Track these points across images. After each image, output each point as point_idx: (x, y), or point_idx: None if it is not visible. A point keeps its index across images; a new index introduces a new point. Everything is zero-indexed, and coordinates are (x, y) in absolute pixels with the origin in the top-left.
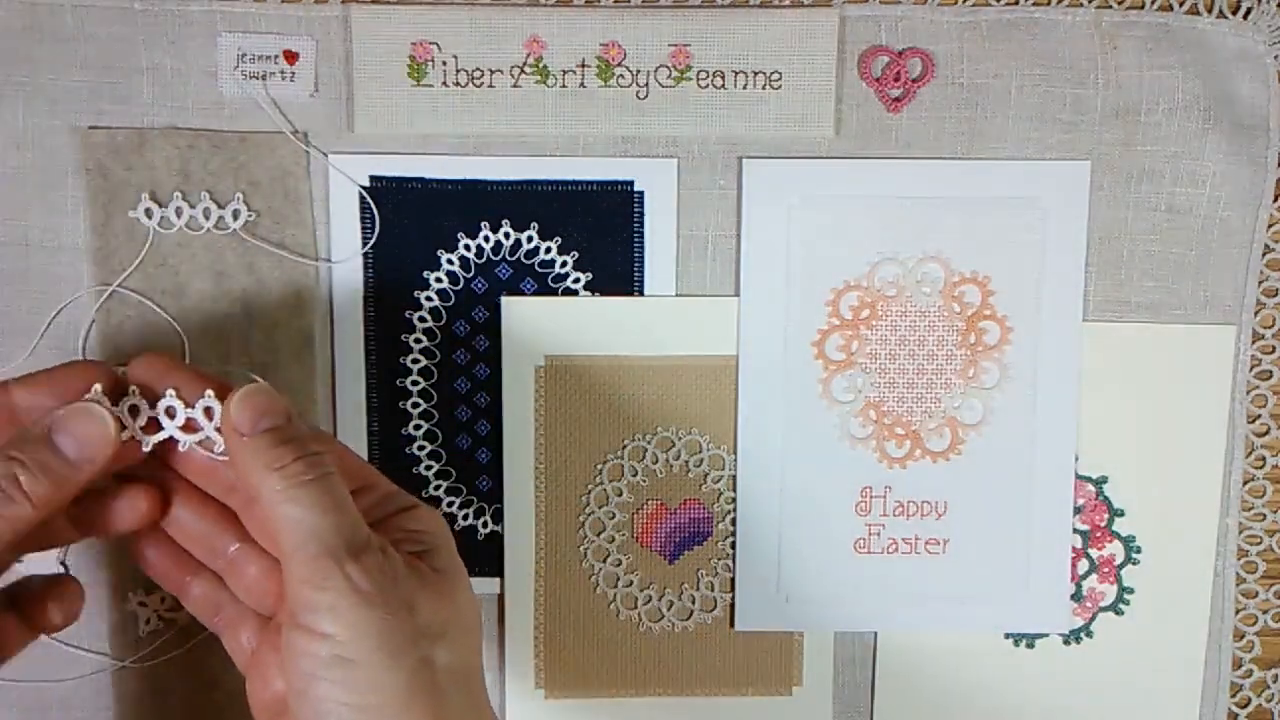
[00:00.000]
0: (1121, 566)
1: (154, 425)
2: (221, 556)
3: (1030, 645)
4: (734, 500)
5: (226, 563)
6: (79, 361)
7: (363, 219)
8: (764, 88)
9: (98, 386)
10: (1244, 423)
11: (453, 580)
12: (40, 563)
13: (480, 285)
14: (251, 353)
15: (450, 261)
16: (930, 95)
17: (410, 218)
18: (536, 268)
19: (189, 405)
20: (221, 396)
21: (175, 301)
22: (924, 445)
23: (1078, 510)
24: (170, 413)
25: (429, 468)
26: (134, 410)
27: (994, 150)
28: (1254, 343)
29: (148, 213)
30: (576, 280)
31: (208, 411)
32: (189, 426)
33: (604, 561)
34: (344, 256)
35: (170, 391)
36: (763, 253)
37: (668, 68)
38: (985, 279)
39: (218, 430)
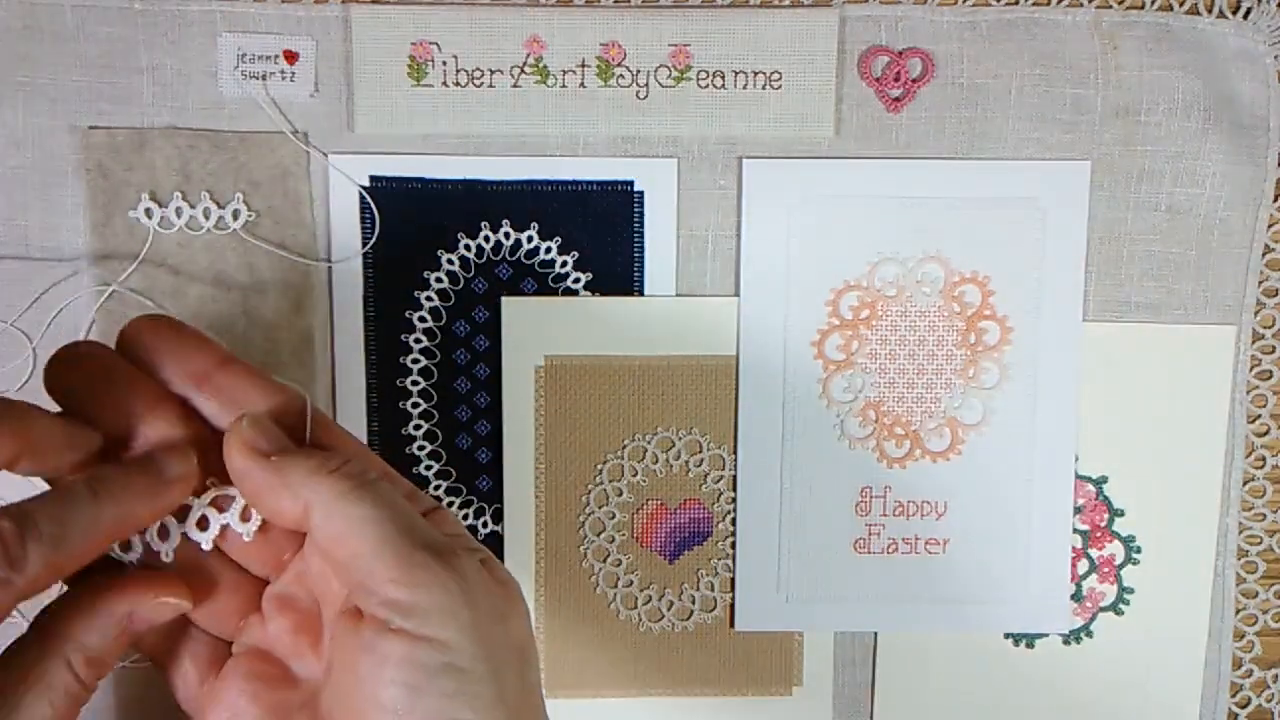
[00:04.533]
0: (1121, 566)
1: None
2: (174, 568)
3: (1030, 645)
4: (734, 500)
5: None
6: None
7: (363, 219)
8: (764, 88)
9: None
10: (1244, 423)
11: (518, 594)
12: None
13: (480, 285)
14: (251, 353)
15: (450, 261)
16: (930, 95)
17: (410, 218)
18: (536, 268)
19: (221, 509)
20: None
21: (175, 301)
22: (924, 445)
23: (1078, 510)
24: (203, 523)
25: (429, 468)
26: (163, 531)
27: (994, 150)
28: (1254, 343)
29: (148, 213)
30: (576, 280)
31: (245, 513)
32: (216, 504)
33: (604, 561)
34: (344, 256)
35: (197, 501)
36: (763, 253)
37: (668, 68)
38: (985, 279)
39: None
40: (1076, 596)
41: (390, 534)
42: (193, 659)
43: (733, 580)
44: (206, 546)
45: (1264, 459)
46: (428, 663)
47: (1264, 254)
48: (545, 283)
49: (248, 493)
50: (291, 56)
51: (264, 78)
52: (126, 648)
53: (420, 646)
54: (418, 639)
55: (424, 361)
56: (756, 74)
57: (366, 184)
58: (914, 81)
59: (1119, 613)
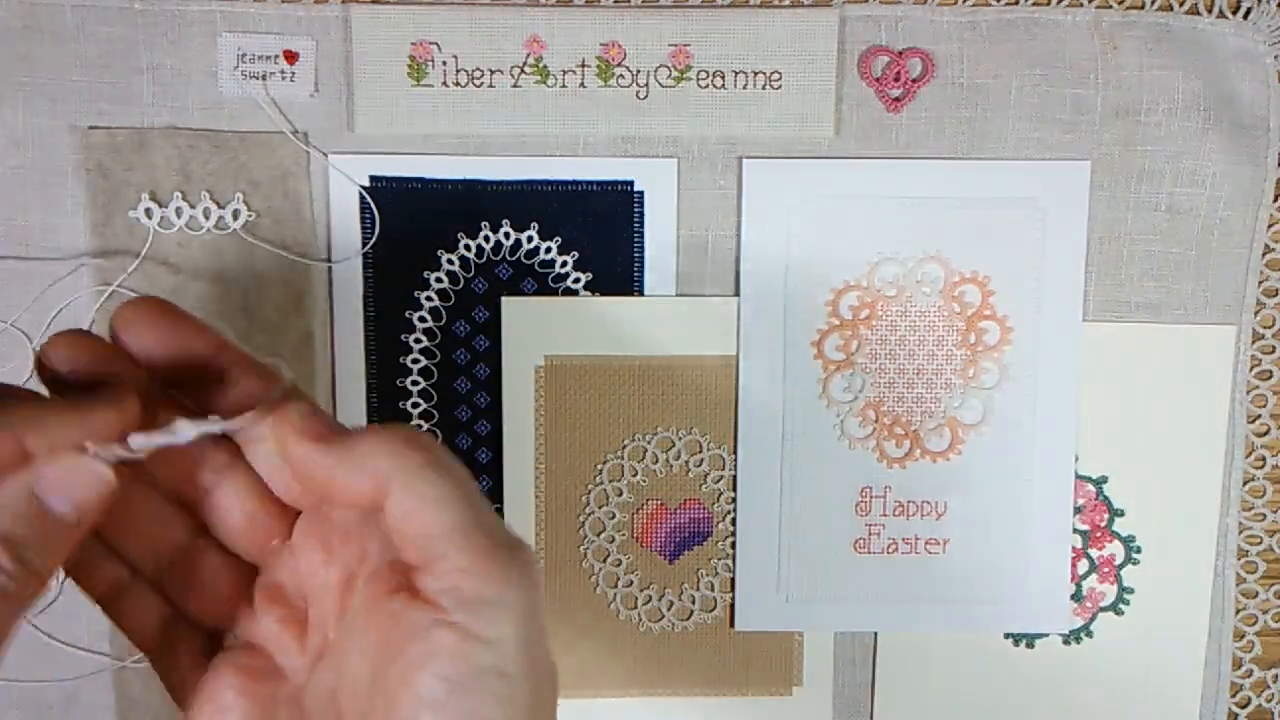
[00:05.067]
0: (1121, 566)
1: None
2: (165, 557)
3: (1030, 645)
4: (734, 500)
5: (170, 565)
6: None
7: (363, 219)
8: (764, 88)
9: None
10: (1244, 423)
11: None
12: None
13: (480, 285)
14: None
15: (450, 261)
16: (930, 95)
17: (410, 218)
18: (536, 268)
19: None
20: (223, 365)
21: (175, 301)
22: (924, 445)
23: (1078, 510)
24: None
25: None
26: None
27: (994, 150)
28: (1254, 343)
29: (148, 213)
30: (576, 280)
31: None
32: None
33: (604, 561)
34: (344, 256)
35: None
36: (763, 253)
37: (668, 68)
38: (985, 279)
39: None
40: (1076, 596)
41: (466, 518)
42: (186, 651)
43: (733, 580)
44: (140, 454)
45: (1264, 459)
46: (477, 662)
47: (1264, 254)
48: (545, 283)
49: (309, 476)
50: (291, 56)
51: (264, 78)
52: (73, 535)
53: (473, 644)
54: (471, 636)
55: (424, 361)
56: (756, 74)
57: (366, 184)
58: (914, 81)
59: (1119, 613)
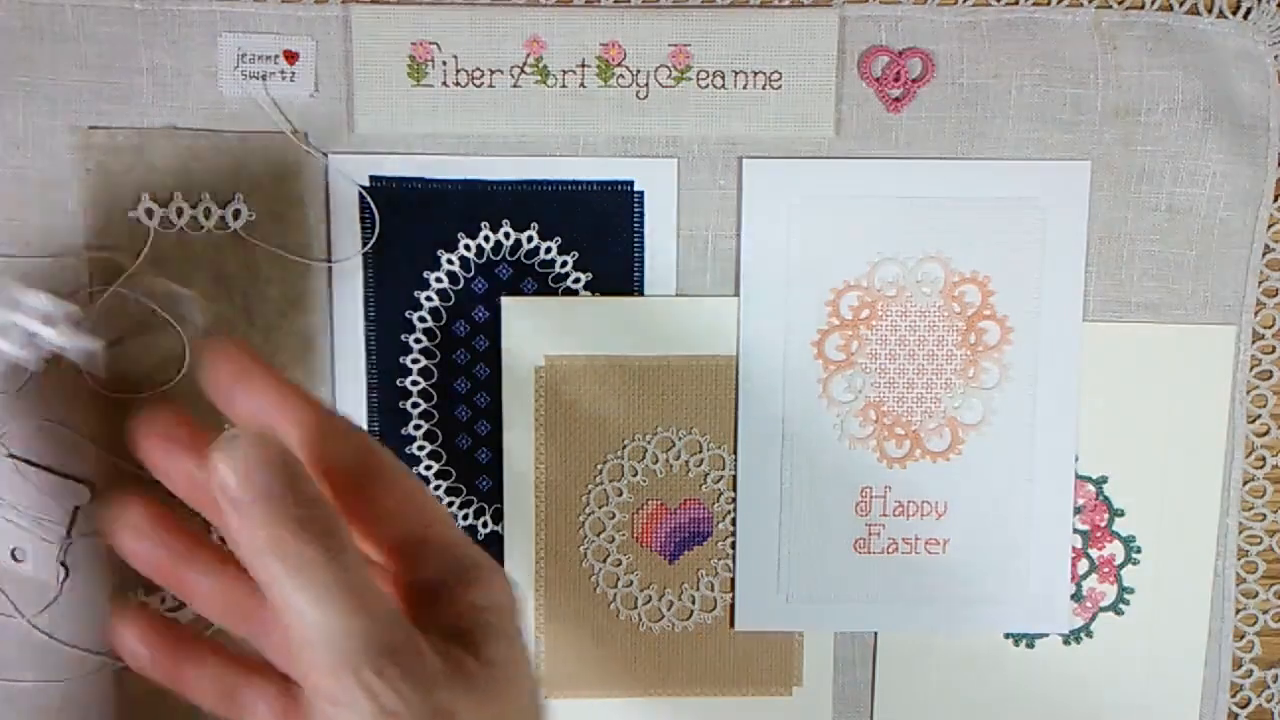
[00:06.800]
0: (1121, 566)
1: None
2: (248, 620)
3: (1030, 645)
4: (734, 500)
5: (253, 625)
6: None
7: (363, 219)
8: (764, 88)
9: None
10: (1244, 423)
11: (507, 674)
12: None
13: (480, 285)
14: None
15: (450, 261)
16: (930, 95)
17: (410, 218)
18: (536, 268)
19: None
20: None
21: (176, 302)
22: (924, 445)
23: (1078, 510)
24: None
25: (429, 468)
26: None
27: (994, 150)
28: (1254, 343)
29: (148, 213)
30: (576, 280)
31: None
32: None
33: (604, 561)
34: (344, 256)
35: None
36: (763, 253)
37: (668, 68)
38: (985, 279)
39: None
40: (1076, 596)
41: (323, 641)
42: (263, 699)
43: (733, 580)
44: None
45: (1264, 459)
46: None
47: (1264, 254)
48: (545, 283)
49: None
50: (291, 56)
51: (264, 78)
52: None
53: None
54: None
55: (424, 361)
56: (756, 74)
57: (366, 184)
58: (914, 81)
59: (1119, 613)
